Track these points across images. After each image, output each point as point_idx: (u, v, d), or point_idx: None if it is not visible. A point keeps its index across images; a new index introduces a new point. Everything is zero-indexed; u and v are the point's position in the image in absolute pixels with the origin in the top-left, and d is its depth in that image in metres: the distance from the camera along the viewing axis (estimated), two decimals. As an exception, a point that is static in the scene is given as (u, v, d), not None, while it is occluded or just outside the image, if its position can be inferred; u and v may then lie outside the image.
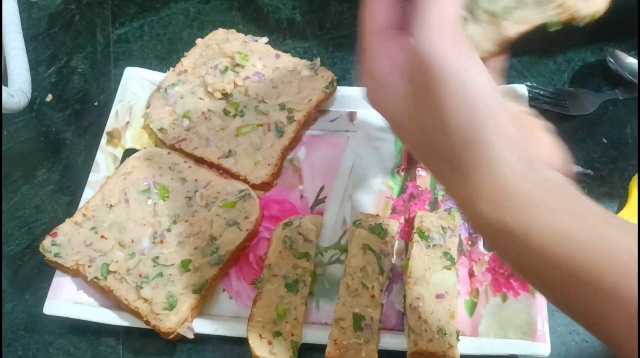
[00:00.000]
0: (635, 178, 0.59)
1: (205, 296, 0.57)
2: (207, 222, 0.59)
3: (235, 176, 0.63)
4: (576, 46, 0.71)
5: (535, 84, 0.67)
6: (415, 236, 0.56)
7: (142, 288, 0.55)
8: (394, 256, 0.58)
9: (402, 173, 0.64)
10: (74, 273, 0.58)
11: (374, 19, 0.36)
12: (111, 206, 0.61)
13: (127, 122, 0.69)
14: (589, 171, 0.62)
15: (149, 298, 0.54)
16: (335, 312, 0.53)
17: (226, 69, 0.68)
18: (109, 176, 0.64)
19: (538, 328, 0.52)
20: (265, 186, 0.63)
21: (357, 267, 0.55)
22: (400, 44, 0.35)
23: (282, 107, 0.65)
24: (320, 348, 0.52)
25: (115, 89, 0.72)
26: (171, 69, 0.71)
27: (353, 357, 0.51)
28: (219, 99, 0.67)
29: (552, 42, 0.72)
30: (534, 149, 0.34)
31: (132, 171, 0.63)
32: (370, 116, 0.67)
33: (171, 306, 0.54)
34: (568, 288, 0.31)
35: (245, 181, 0.62)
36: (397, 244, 0.59)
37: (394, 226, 0.58)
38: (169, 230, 0.59)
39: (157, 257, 0.57)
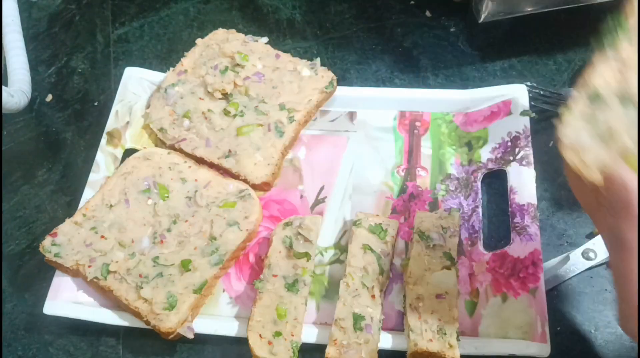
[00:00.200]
0: (635, 178, 0.59)
1: (205, 296, 0.57)
2: (207, 222, 0.59)
3: (235, 176, 0.63)
4: (576, 46, 0.71)
5: (535, 84, 0.67)
6: (415, 236, 0.56)
7: (142, 288, 0.55)
8: (394, 256, 0.58)
9: (402, 173, 0.64)
10: (74, 273, 0.58)
11: None
12: (111, 206, 0.61)
13: (127, 122, 0.69)
14: (589, 171, 0.62)
15: (149, 298, 0.54)
16: (335, 312, 0.53)
17: (226, 69, 0.68)
18: (109, 176, 0.64)
19: (538, 328, 0.52)
20: (265, 186, 0.63)
21: (357, 267, 0.55)
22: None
23: (282, 107, 0.65)
24: (320, 348, 0.52)
25: (115, 89, 0.72)
26: (171, 69, 0.71)
27: (353, 357, 0.51)
28: (219, 99, 0.67)
29: (552, 42, 0.72)
30: None
31: (132, 171, 0.63)
32: (370, 116, 0.67)
33: (171, 306, 0.54)
34: None
35: (245, 181, 0.62)
36: (397, 244, 0.59)
37: (394, 226, 0.58)
38: (169, 230, 0.59)
39: (157, 257, 0.57)
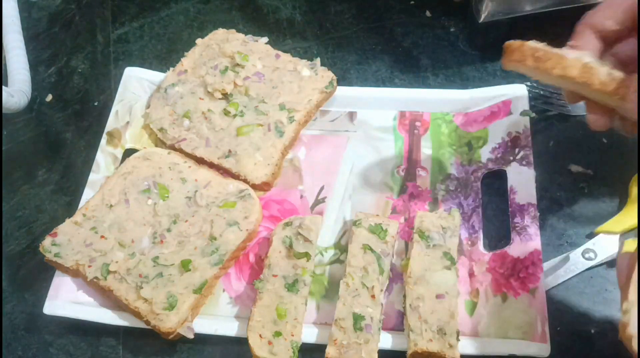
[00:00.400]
0: (635, 178, 0.59)
1: (205, 296, 0.57)
2: (207, 222, 0.59)
3: (235, 176, 0.63)
4: (576, 46, 0.71)
5: (535, 84, 0.67)
6: (415, 236, 0.56)
7: (142, 288, 0.55)
8: (394, 256, 0.58)
9: (402, 173, 0.64)
10: (74, 273, 0.58)
11: None
12: (111, 206, 0.61)
13: (127, 122, 0.69)
14: (589, 171, 0.62)
15: (149, 298, 0.54)
16: (335, 312, 0.53)
17: (226, 69, 0.68)
18: (109, 176, 0.64)
19: (538, 328, 0.52)
20: (265, 186, 0.63)
21: (357, 267, 0.55)
22: None
23: (282, 107, 0.65)
24: (320, 348, 0.52)
25: (115, 89, 0.72)
26: (171, 69, 0.71)
27: (353, 357, 0.51)
28: (219, 99, 0.67)
29: (552, 42, 0.72)
30: None
31: (132, 171, 0.63)
32: (370, 116, 0.67)
33: (171, 306, 0.54)
34: None
35: (245, 181, 0.62)
36: (397, 244, 0.59)
37: (394, 226, 0.58)
38: (169, 230, 0.59)
39: (157, 257, 0.57)
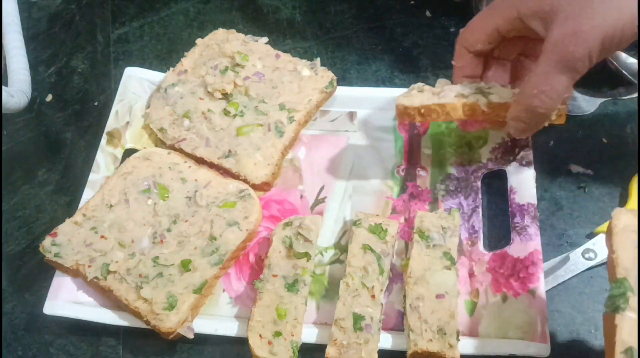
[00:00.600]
0: (635, 178, 0.59)
1: (205, 296, 0.57)
2: (207, 222, 0.59)
3: (235, 176, 0.63)
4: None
5: (535, 84, 0.67)
6: (415, 236, 0.56)
7: (142, 288, 0.55)
8: (394, 256, 0.58)
9: (402, 173, 0.64)
10: (74, 273, 0.58)
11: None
12: (111, 206, 0.61)
13: (127, 122, 0.69)
14: (589, 171, 0.62)
15: (149, 298, 0.54)
16: (335, 312, 0.53)
17: (226, 69, 0.68)
18: (109, 176, 0.64)
19: (538, 328, 0.52)
20: (265, 186, 0.63)
21: (357, 267, 0.55)
22: None
23: (282, 107, 0.65)
24: (320, 348, 0.52)
25: (115, 89, 0.72)
26: (171, 69, 0.71)
27: (353, 357, 0.51)
28: (219, 99, 0.67)
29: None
30: None
31: (132, 171, 0.63)
32: (370, 116, 0.67)
33: (171, 307, 0.54)
34: None
35: (245, 181, 0.62)
36: (397, 244, 0.59)
37: (394, 226, 0.58)
38: (169, 230, 0.59)
39: (157, 257, 0.57)
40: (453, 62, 0.58)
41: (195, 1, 0.83)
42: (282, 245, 0.57)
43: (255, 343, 0.52)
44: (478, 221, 0.59)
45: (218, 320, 0.56)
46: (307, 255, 0.56)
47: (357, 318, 0.52)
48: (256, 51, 0.70)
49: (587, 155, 0.63)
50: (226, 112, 0.66)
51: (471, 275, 0.57)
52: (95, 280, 0.57)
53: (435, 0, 0.77)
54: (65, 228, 0.60)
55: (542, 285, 0.54)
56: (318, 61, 0.68)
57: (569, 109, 0.65)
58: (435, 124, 0.66)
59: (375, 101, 0.67)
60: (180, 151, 0.65)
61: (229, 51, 0.69)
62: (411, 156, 0.64)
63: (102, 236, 0.59)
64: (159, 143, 0.68)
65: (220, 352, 0.57)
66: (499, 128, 0.62)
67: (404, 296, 0.54)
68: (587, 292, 0.56)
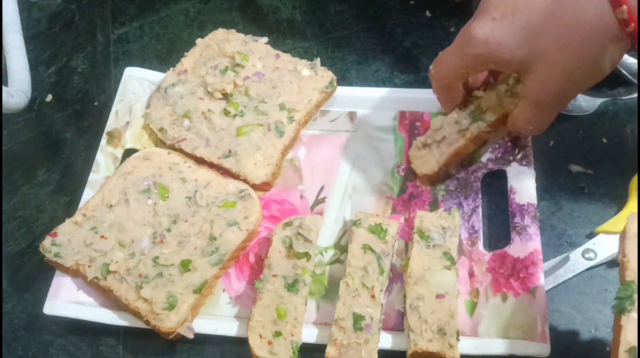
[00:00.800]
0: (635, 178, 0.59)
1: (205, 296, 0.57)
2: (207, 222, 0.59)
3: (235, 176, 0.63)
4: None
5: (535, 84, 0.67)
6: (415, 236, 0.56)
7: (142, 288, 0.55)
8: (394, 256, 0.58)
9: (402, 173, 0.64)
10: (74, 273, 0.58)
11: None
12: (111, 206, 0.61)
13: (127, 122, 0.69)
14: (589, 171, 0.62)
15: (149, 298, 0.54)
16: (335, 312, 0.53)
17: (226, 69, 0.68)
18: (109, 176, 0.64)
19: (538, 328, 0.52)
20: (265, 186, 0.63)
21: (357, 267, 0.55)
22: None
23: (282, 107, 0.65)
24: (320, 348, 0.52)
25: (115, 89, 0.72)
26: (171, 69, 0.71)
27: (353, 357, 0.51)
28: (219, 99, 0.67)
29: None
30: None
31: (132, 171, 0.63)
32: (370, 116, 0.67)
33: (171, 307, 0.54)
34: None
35: (245, 181, 0.62)
36: (397, 244, 0.59)
37: (394, 226, 0.58)
38: (169, 230, 0.59)
39: (157, 257, 0.57)
40: (435, 93, 0.59)
41: (195, 1, 0.83)
42: (282, 245, 0.57)
43: (255, 343, 0.52)
44: (478, 221, 0.59)
45: (218, 320, 0.56)
46: (307, 255, 0.56)
47: (357, 318, 0.52)
48: (256, 51, 0.70)
49: (587, 155, 0.63)
50: (226, 112, 0.66)
51: (471, 275, 0.57)
52: (95, 280, 0.57)
53: (435, 0, 0.77)
54: (65, 228, 0.60)
55: (542, 285, 0.54)
56: (318, 61, 0.68)
57: (569, 109, 0.66)
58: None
59: (375, 101, 0.67)
60: (180, 151, 0.65)
61: (229, 51, 0.69)
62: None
63: (102, 236, 0.59)
64: (159, 143, 0.68)
65: (220, 352, 0.57)
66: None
67: (404, 296, 0.54)
68: (587, 292, 0.56)
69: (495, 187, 0.62)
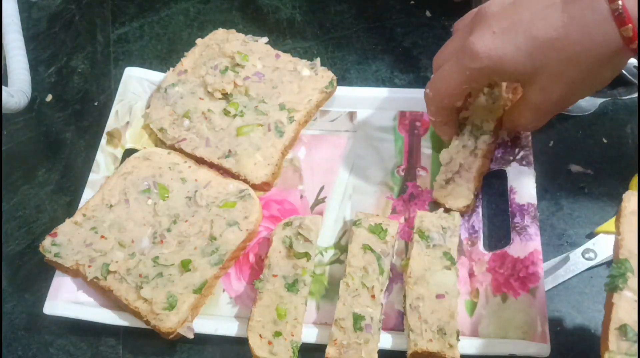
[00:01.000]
0: (635, 178, 0.59)
1: (205, 296, 0.57)
2: (207, 222, 0.59)
3: (235, 176, 0.63)
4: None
5: (535, 84, 0.67)
6: (415, 236, 0.56)
7: (142, 288, 0.55)
8: (394, 256, 0.58)
9: (402, 173, 0.64)
10: (74, 273, 0.58)
11: None
12: (111, 206, 0.61)
13: (127, 122, 0.69)
14: (589, 171, 0.62)
15: (149, 298, 0.54)
16: (335, 312, 0.53)
17: (226, 69, 0.68)
18: (109, 176, 0.64)
19: (538, 328, 0.52)
20: (265, 186, 0.63)
21: (357, 267, 0.55)
22: None
23: (282, 107, 0.65)
24: (320, 348, 0.52)
25: (115, 89, 0.72)
26: (171, 69, 0.71)
27: (353, 357, 0.51)
28: (219, 99, 0.67)
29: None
30: None
31: (132, 171, 0.63)
32: (370, 116, 0.67)
33: (171, 307, 0.54)
34: None
35: (245, 181, 0.62)
36: (397, 244, 0.59)
37: (394, 226, 0.58)
38: (169, 230, 0.59)
39: (157, 257, 0.57)
40: (431, 118, 0.60)
41: (195, 1, 0.83)
42: (282, 245, 0.57)
43: (255, 343, 0.52)
44: (478, 221, 0.59)
45: (218, 320, 0.56)
46: (307, 255, 0.56)
47: (357, 318, 0.52)
48: (256, 51, 0.70)
49: (587, 155, 0.63)
50: (226, 112, 0.66)
51: (471, 275, 0.57)
52: (95, 280, 0.57)
53: (435, 0, 0.77)
54: (65, 228, 0.60)
55: (542, 285, 0.54)
56: (318, 61, 0.68)
57: (569, 109, 0.66)
58: (435, 124, 0.66)
59: (375, 101, 0.67)
60: (180, 151, 0.65)
61: (229, 51, 0.69)
62: (411, 156, 0.64)
63: (102, 236, 0.59)
64: (159, 143, 0.68)
65: (220, 352, 0.57)
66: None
67: (404, 296, 0.54)
68: (587, 292, 0.56)
69: (495, 187, 0.62)
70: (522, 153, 0.61)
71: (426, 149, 0.65)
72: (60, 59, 0.80)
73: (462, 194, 0.59)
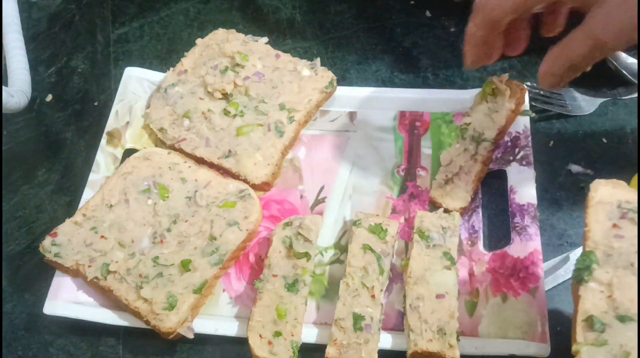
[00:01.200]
0: (635, 178, 0.59)
1: (205, 296, 0.57)
2: (207, 222, 0.59)
3: (235, 176, 0.63)
4: (576, 46, 0.71)
5: (535, 84, 0.67)
6: (415, 236, 0.56)
7: (142, 288, 0.55)
8: (394, 256, 0.58)
9: (402, 173, 0.64)
10: (74, 273, 0.58)
11: None
12: (111, 206, 0.61)
13: (127, 122, 0.69)
14: (589, 171, 0.62)
15: (149, 298, 0.54)
16: (335, 312, 0.53)
17: (226, 69, 0.68)
18: (109, 176, 0.64)
19: (538, 328, 0.52)
20: (265, 186, 0.63)
21: (357, 267, 0.55)
22: None
23: (282, 107, 0.65)
24: (320, 348, 0.52)
25: (115, 89, 0.72)
26: (171, 69, 0.71)
27: (353, 357, 0.51)
28: (219, 99, 0.67)
29: (552, 42, 0.72)
30: None
31: (132, 171, 0.63)
32: (370, 116, 0.67)
33: (171, 306, 0.54)
34: None
35: (245, 181, 0.62)
36: (397, 244, 0.59)
37: (394, 226, 0.58)
38: (169, 230, 0.59)
39: (157, 257, 0.57)
40: (470, 32, 0.52)
41: (195, 1, 0.83)
42: (282, 245, 0.57)
43: (255, 343, 0.52)
44: (478, 221, 0.59)
45: (218, 320, 0.56)
46: (307, 255, 0.56)
47: (357, 318, 0.52)
48: (256, 51, 0.70)
49: (587, 155, 0.63)
50: (226, 112, 0.66)
51: (471, 275, 0.57)
52: (95, 280, 0.57)
53: (435, 0, 0.77)
54: (65, 228, 0.60)
55: (542, 285, 0.54)
56: (318, 61, 0.68)
57: (569, 109, 0.66)
58: (435, 124, 0.66)
59: (375, 101, 0.67)
60: (180, 151, 0.65)
61: (229, 51, 0.69)
62: (411, 156, 0.64)
63: (102, 236, 0.59)
64: (159, 143, 0.68)
65: (220, 352, 0.57)
66: None
67: (404, 296, 0.54)
68: (587, 292, 0.56)
69: (495, 187, 0.62)
70: (522, 153, 0.61)
71: (426, 149, 0.65)
72: (60, 59, 0.80)
73: (459, 196, 0.59)
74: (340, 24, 0.78)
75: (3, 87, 0.68)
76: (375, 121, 0.67)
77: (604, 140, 0.64)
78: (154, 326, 0.54)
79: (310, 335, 0.54)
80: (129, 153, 0.67)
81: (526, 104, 0.63)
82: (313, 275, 0.57)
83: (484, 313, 0.54)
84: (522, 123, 0.62)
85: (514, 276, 0.55)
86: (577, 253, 0.57)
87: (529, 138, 0.61)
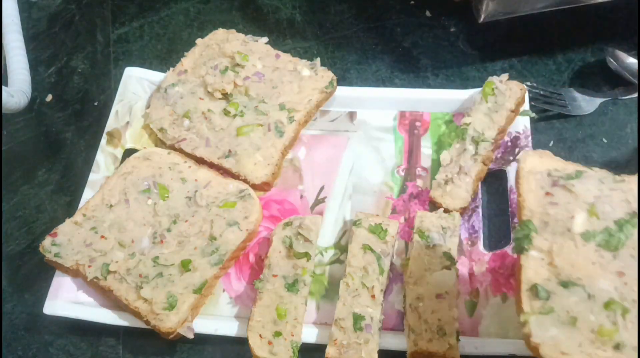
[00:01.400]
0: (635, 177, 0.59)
1: (205, 296, 0.57)
2: (207, 222, 0.59)
3: (235, 176, 0.63)
4: (576, 46, 0.71)
5: (535, 84, 0.67)
6: (415, 236, 0.56)
7: (142, 288, 0.55)
8: (394, 256, 0.58)
9: (402, 173, 0.64)
10: (74, 273, 0.58)
11: None
12: (111, 206, 0.61)
13: (127, 122, 0.69)
14: (589, 171, 0.62)
15: (149, 298, 0.54)
16: (335, 312, 0.53)
17: (226, 69, 0.68)
18: (109, 176, 0.64)
19: (538, 328, 0.52)
20: (265, 186, 0.63)
21: (357, 267, 0.55)
22: None
23: (282, 107, 0.65)
24: (320, 348, 0.52)
25: (115, 89, 0.72)
26: (171, 69, 0.71)
27: (353, 357, 0.51)
28: (219, 99, 0.67)
29: (552, 42, 0.72)
30: None
31: (132, 171, 0.63)
32: (370, 116, 0.67)
33: (171, 306, 0.54)
34: None
35: (245, 181, 0.62)
36: (397, 244, 0.59)
37: (394, 226, 0.58)
38: (169, 230, 0.59)
39: (157, 257, 0.57)
40: None
41: (195, 1, 0.83)
42: (282, 245, 0.57)
43: (255, 343, 0.52)
44: (478, 221, 0.59)
45: (218, 320, 0.56)
46: (307, 255, 0.56)
47: (357, 318, 0.52)
48: (256, 51, 0.70)
49: (587, 155, 0.63)
50: (226, 112, 0.66)
51: (471, 275, 0.57)
52: (95, 280, 0.57)
53: (435, 0, 0.77)
54: (65, 228, 0.60)
55: (542, 285, 0.54)
56: (318, 61, 0.68)
57: (569, 109, 0.66)
58: (435, 124, 0.66)
59: (375, 101, 0.67)
60: (180, 151, 0.65)
61: (229, 51, 0.69)
62: (411, 156, 0.64)
63: (102, 236, 0.59)
64: (159, 143, 0.68)
65: (220, 352, 0.57)
66: None
67: (404, 296, 0.54)
68: (587, 292, 0.56)
69: (495, 187, 0.62)
70: (522, 153, 0.61)
71: (426, 149, 0.65)
72: (60, 59, 0.80)
73: (459, 196, 0.59)
74: (340, 24, 0.78)
75: (3, 87, 0.68)
76: (375, 121, 0.67)
77: (604, 140, 0.64)
78: (154, 326, 0.54)
79: (310, 335, 0.54)
80: (129, 153, 0.67)
81: (526, 104, 0.63)
82: (313, 275, 0.57)
83: (484, 313, 0.54)
84: (522, 123, 0.62)
85: (514, 276, 0.55)
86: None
87: (529, 138, 0.61)
